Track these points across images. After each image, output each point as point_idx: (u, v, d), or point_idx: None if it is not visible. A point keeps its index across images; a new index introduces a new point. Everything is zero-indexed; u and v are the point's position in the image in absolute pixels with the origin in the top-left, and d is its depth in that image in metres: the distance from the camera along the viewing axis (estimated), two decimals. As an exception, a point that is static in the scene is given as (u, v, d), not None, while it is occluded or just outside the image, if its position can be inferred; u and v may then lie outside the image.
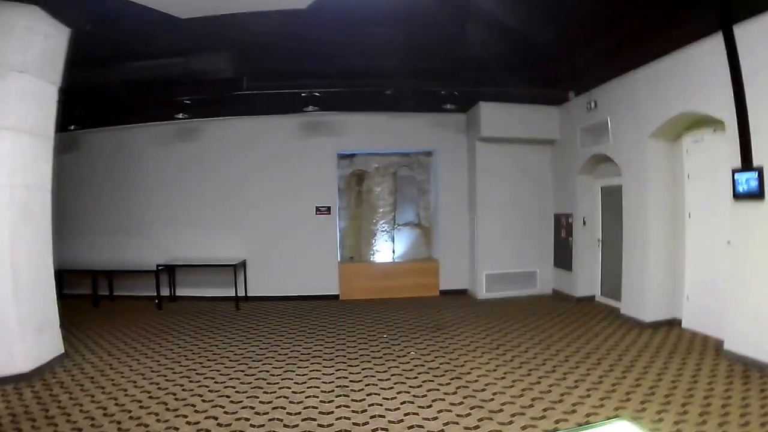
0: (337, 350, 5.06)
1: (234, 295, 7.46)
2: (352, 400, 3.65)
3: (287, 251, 8.10)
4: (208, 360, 4.80)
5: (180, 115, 7.34)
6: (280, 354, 4.97)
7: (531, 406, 3.45)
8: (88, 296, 7.93)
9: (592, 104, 6.55)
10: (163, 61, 5.66)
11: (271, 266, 8.10)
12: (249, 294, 8.07)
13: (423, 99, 7.29)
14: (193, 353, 5.05)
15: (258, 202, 8.13)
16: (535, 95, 7.16)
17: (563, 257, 7.64)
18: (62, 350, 4.81)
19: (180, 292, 8.22)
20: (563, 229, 7.64)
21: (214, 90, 6.52)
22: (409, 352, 4.87)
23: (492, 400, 3.59)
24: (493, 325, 6.00)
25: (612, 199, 6.78)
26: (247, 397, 3.75)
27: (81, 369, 4.54)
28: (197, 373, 4.38)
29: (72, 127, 7.81)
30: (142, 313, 7.15)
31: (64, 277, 7.77)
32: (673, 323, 5.59)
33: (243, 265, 7.99)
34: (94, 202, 8.47)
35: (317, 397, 3.75)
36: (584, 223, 7.25)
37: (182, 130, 8.22)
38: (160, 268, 7.60)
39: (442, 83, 6.65)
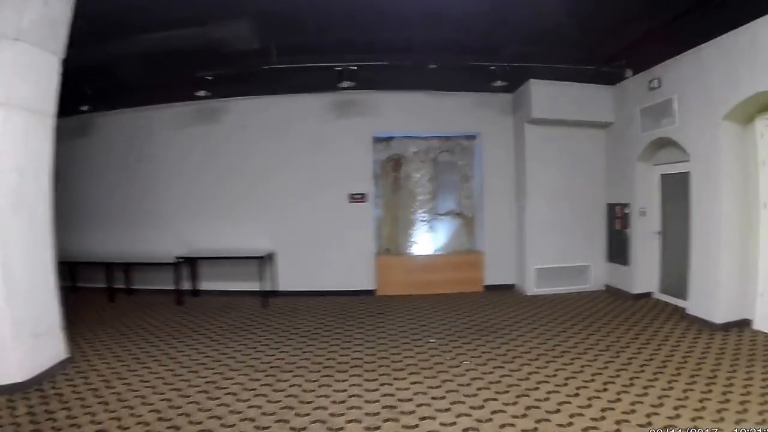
0: (379, 357, 5.09)
1: (260, 289, 7.94)
2: (401, 413, 3.66)
3: (318, 242, 8.64)
4: (230, 369, 4.77)
5: (201, 93, 7.51)
6: (313, 363, 4.95)
7: (602, 418, 3.48)
8: (104, 290, 8.54)
9: (655, 82, 6.77)
10: (181, 32, 5.89)
11: (301, 259, 8.66)
12: (279, 288, 8.62)
13: (467, 76, 7.66)
14: (214, 360, 5.09)
15: (286, 189, 8.67)
16: (588, 73, 7.43)
17: (618, 251, 8.00)
18: (65, 355, 4.84)
19: (203, 286, 8.84)
20: (618, 220, 7.98)
21: (239, 64, 6.74)
22: (462, 362, 4.84)
23: (558, 411, 3.63)
24: (549, 326, 6.19)
25: (674, 188, 7.12)
26: (276, 421, 3.57)
27: (85, 378, 4.54)
28: (217, 387, 4.29)
29: (84, 108, 8.28)
30: (160, 309, 7.63)
31: (77, 269, 8.69)
32: (743, 324, 5.68)
33: (271, 257, 8.54)
34: (110, 189, 9.09)
35: (360, 421, 3.53)
36: (642, 214, 7.54)
37: (204, 111, 8.72)
38: (180, 260, 8.15)
39: (488, 58, 6.87)
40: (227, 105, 8.67)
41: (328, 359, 5.04)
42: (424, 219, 9.29)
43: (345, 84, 7.09)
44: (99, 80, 7.26)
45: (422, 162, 9.27)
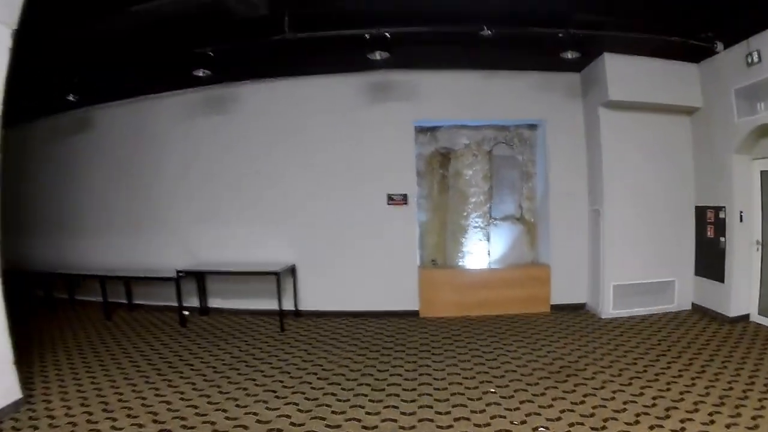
0: (420, 408, 4.96)
1: (279, 308, 8.35)
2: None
3: (349, 253, 9.20)
4: (233, 423, 4.76)
5: (200, 73, 7.38)
6: (335, 411, 4.96)
7: None
8: (108, 304, 9.45)
9: (754, 56, 6.77)
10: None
11: (328, 273, 9.25)
12: (300, 308, 9.31)
13: (527, 50, 7.83)
14: (199, 413, 5.00)
15: (310, 189, 9.27)
16: (667, 46, 7.39)
17: (710, 263, 8.17)
18: (18, 395, 4.98)
19: (213, 302, 9.70)
20: (710, 226, 8.18)
21: (245, 35, 6.82)
22: (537, 428, 4.50)
23: None
24: (639, 363, 6.08)
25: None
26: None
27: (35, 425, 4.67)
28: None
29: (71, 97, 8.80)
30: (159, 331, 8.30)
31: (74, 281, 9.82)
32: None
33: (292, 271, 9.20)
34: (111, 191, 10.06)
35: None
36: (741, 219, 7.63)
37: (210, 99, 9.39)
38: (181, 275, 8.76)
39: (552, 27, 6.84)
40: (237, 91, 9.35)
41: (352, 407, 5.05)
42: (478, 225, 9.80)
43: (377, 56, 6.85)
44: (86, 62, 7.74)
45: (475, 156, 9.79)
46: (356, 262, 9.14)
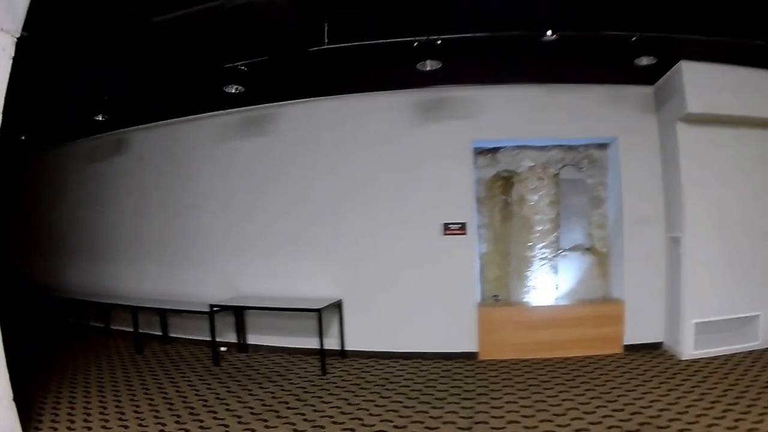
0: None
1: (320, 348, 8.37)
2: None
3: (402, 288, 9.26)
4: None
5: (233, 89, 7.66)
6: None
7: None
8: (142, 335, 9.94)
9: None
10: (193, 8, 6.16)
11: (378, 309, 9.34)
12: (346, 347, 9.41)
13: (595, 60, 7.71)
14: None
15: (358, 218, 9.32)
16: (754, 52, 7.19)
17: None
18: None
19: (252, 338, 10.00)
20: None
21: (278, 46, 6.81)
22: None
23: None
24: (728, 416, 5.77)
25: None
26: None
27: None
28: None
29: (100, 117, 9.40)
30: (191, 368, 8.53)
31: (106, 310, 10.42)
32: None
33: (338, 307, 9.33)
34: (145, 218, 10.64)
35: None
36: None
37: (249, 121, 9.71)
38: (215, 309, 9.05)
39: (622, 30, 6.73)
40: (276, 112, 9.64)
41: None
42: (545, 256, 9.78)
43: (428, 65, 6.90)
44: (112, 83, 8.04)
45: (540, 180, 9.80)
46: (409, 298, 9.09)
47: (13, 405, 4.92)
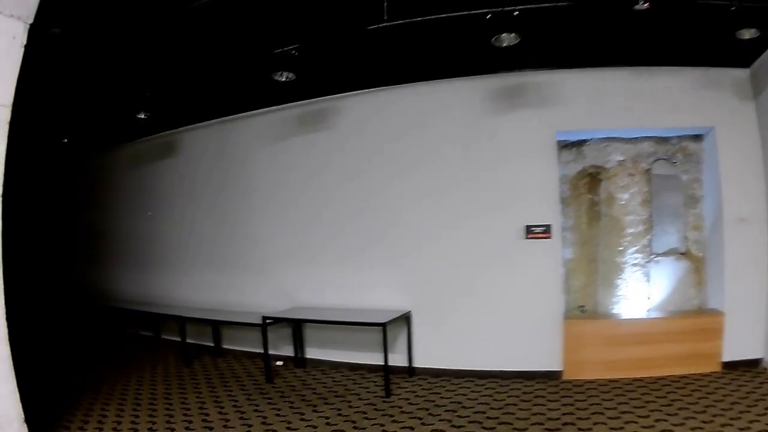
0: None
1: (384, 364, 7.58)
2: None
3: (477, 299, 8.33)
4: None
5: (283, 77, 7.17)
6: None
7: None
8: (194, 347, 9.44)
9: None
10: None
11: (451, 322, 8.43)
12: (414, 364, 8.53)
13: (688, 37, 6.90)
14: None
15: (428, 222, 8.55)
16: None
17: None
18: None
19: (311, 352, 9.20)
20: None
21: (331, 24, 6.36)
22: None
23: None
24: None
25: None
26: None
27: None
28: None
29: (142, 115, 8.89)
30: (241, 385, 7.95)
31: (156, 320, 10.02)
32: None
33: (406, 319, 8.45)
34: (196, 223, 10.15)
35: None
36: None
37: (307, 117, 9.14)
38: (268, 322, 8.45)
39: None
40: (337, 105, 8.97)
41: None
42: (636, 262, 8.68)
43: (504, 40, 6.20)
44: (155, 78, 7.70)
45: (630, 176, 8.71)
46: (485, 309, 8.25)
47: (24, 427, 4.73)
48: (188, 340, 9.50)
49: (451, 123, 8.43)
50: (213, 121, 9.92)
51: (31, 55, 6.31)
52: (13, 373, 4.65)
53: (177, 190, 10.57)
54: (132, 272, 11.50)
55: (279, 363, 8.96)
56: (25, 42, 4.53)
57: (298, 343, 9.15)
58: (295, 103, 9.06)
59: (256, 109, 9.49)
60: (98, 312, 11.55)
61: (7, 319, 4.76)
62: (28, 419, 4.81)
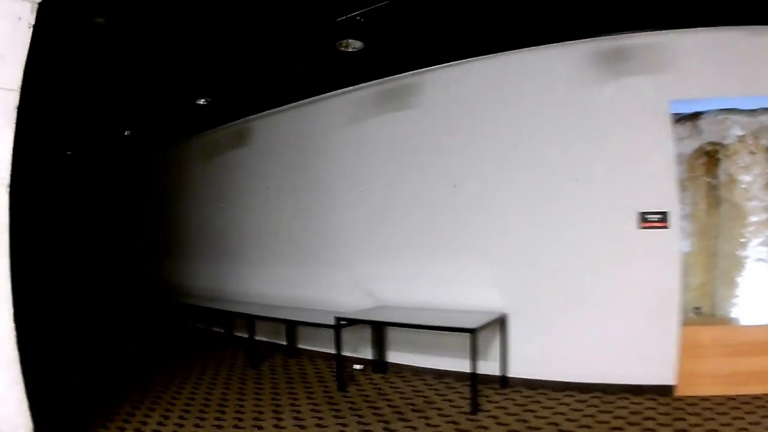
0: None
1: (471, 372, 6.50)
2: None
3: (580, 298, 7.18)
4: None
5: (349, 46, 6.76)
6: None
7: None
8: (268, 345, 9.24)
9: None
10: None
11: (550, 327, 7.30)
12: (508, 373, 7.51)
13: None
14: None
15: (525, 210, 7.49)
16: None
17: None
18: None
19: (393, 356, 8.37)
20: None
21: None
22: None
23: None
24: None
25: None
26: None
27: None
28: None
29: (202, 101, 8.76)
30: (309, 393, 7.21)
31: (226, 317, 9.61)
32: None
33: (500, 322, 7.41)
34: (269, 216, 9.70)
35: None
36: None
37: (383, 96, 8.34)
38: (342, 323, 7.63)
39: None
40: (418, 81, 8.08)
41: None
42: (761, 257, 7.33)
43: None
44: (212, 60, 7.33)
45: (752, 154, 7.37)
46: (590, 311, 7.12)
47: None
48: (261, 339, 9.15)
49: (547, 96, 7.36)
50: (285, 106, 9.36)
51: (79, 47, 6.43)
52: (21, 378, 4.31)
53: (250, 180, 10.15)
54: (205, 266, 11.29)
55: (357, 367, 8.26)
56: (33, 23, 4.25)
57: (379, 346, 8.37)
58: (371, 82, 8.33)
59: (329, 91, 8.83)
60: (171, 306, 11.34)
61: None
62: (53, 425, 4.78)
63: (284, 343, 9.31)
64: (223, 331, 10.25)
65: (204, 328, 10.88)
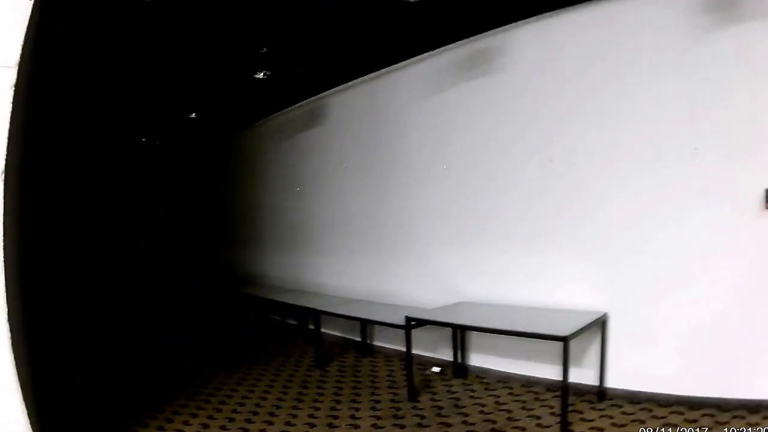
0: None
1: (563, 384, 5.33)
2: None
3: (693, 299, 5.77)
4: None
5: None
6: None
7: None
8: (337, 343, 8.68)
9: None
10: None
11: (659, 330, 5.94)
12: (607, 383, 6.17)
13: None
14: None
15: (627, 190, 6.12)
16: None
17: None
18: None
19: (475, 358, 7.30)
20: None
21: None
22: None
23: None
24: None
25: None
26: None
27: None
28: None
29: (262, 74, 8.21)
30: (374, 402, 6.27)
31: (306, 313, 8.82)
32: None
33: (600, 324, 6.10)
34: (344, 201, 9.00)
35: None
36: None
37: (463, 59, 7.22)
38: (412, 323, 6.58)
39: None
40: (505, 40, 6.85)
41: None
42: None
43: None
44: (270, 27, 6.83)
45: None
46: (703, 314, 5.70)
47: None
48: (335, 333, 8.78)
49: (652, 47, 5.96)
50: (358, 80, 8.53)
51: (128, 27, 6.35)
52: (18, 385, 4.02)
53: (324, 162, 9.41)
54: (281, 255, 10.82)
55: (436, 369, 7.29)
56: None
57: (460, 347, 7.28)
58: (450, 45, 7.34)
59: (405, 59, 7.93)
60: (243, 298, 10.79)
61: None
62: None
63: (359, 339, 8.46)
64: (296, 323, 9.76)
65: (279, 320, 10.41)
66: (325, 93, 9.19)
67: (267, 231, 11.27)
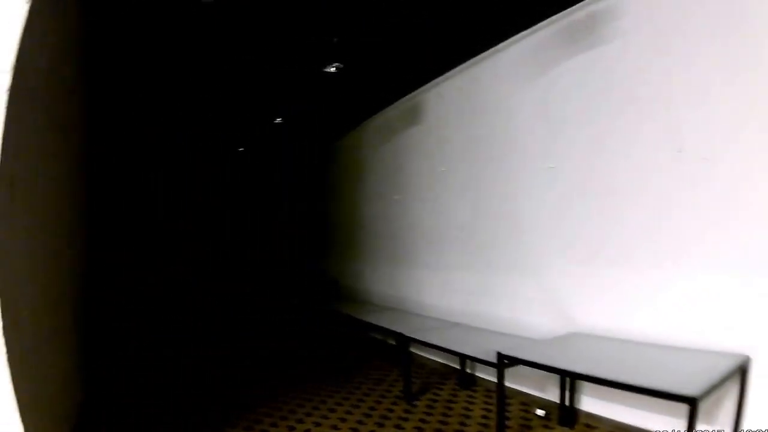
0: None
1: None
2: None
3: None
4: None
5: None
6: None
7: None
8: (437, 369, 7.78)
9: None
10: None
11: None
12: (753, 439, 4.32)
13: None
14: None
15: None
16: None
17: None
18: None
19: (586, 402, 5.83)
20: None
21: None
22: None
23: None
24: None
25: None
26: None
27: None
28: None
29: (333, 68, 7.88)
30: None
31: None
32: None
33: (740, 372, 4.44)
34: (445, 207, 7.98)
35: None
36: None
37: (569, 30, 5.84)
38: (505, 361, 5.24)
39: None
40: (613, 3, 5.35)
41: None
42: None
43: None
44: (343, 17, 6.33)
45: None
46: None
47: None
48: (436, 359, 7.83)
49: None
50: (455, 69, 7.56)
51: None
52: (13, 394, 3.75)
53: (422, 165, 8.45)
54: (381, 268, 9.92)
55: (540, 413, 5.95)
56: None
57: (569, 387, 5.84)
58: (552, 17, 6.03)
59: (501, 40, 6.80)
60: (338, 314, 9.73)
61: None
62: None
63: (458, 367, 7.24)
64: (396, 345, 8.20)
65: (380, 340, 9.41)
66: (421, 88, 8.36)
67: (371, 242, 10.43)
